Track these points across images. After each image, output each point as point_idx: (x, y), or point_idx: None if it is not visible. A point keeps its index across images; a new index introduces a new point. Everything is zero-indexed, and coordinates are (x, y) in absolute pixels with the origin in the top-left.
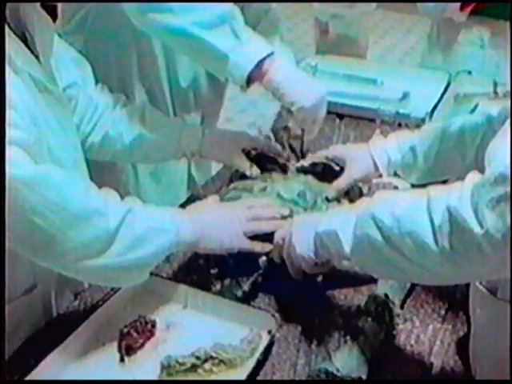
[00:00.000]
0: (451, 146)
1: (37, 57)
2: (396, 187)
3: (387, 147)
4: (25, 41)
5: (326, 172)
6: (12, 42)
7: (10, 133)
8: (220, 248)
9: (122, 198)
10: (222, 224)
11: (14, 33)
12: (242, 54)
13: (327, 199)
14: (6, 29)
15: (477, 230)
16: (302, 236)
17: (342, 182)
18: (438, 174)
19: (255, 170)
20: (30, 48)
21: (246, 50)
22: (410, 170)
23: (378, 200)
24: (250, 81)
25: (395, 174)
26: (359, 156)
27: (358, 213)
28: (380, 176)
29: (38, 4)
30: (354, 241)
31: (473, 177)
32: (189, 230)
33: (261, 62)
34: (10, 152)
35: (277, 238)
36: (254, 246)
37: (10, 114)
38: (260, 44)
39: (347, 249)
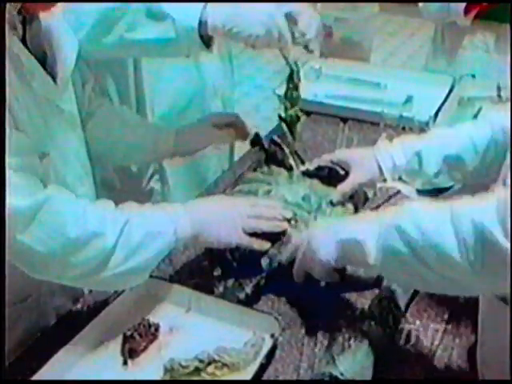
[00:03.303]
0: (457, 152)
1: (53, 77)
2: (399, 191)
3: (392, 152)
4: (43, 60)
5: (331, 176)
6: (30, 65)
7: (14, 159)
8: (218, 242)
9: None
10: (221, 218)
11: (32, 54)
12: (180, 27)
13: (332, 203)
14: (25, 51)
15: (504, 243)
16: (323, 242)
17: (346, 186)
18: (443, 180)
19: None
20: (46, 67)
21: (181, 22)
22: (415, 175)
23: (403, 211)
24: (209, 41)
25: (400, 179)
26: (364, 160)
27: (382, 223)
28: (385, 180)
29: (63, 19)
30: (379, 252)
31: (497, 190)
32: (187, 225)
33: (202, 20)
34: (12, 179)
35: (295, 240)
36: (253, 242)
37: (18, 137)
38: (187, 5)
39: (371, 259)
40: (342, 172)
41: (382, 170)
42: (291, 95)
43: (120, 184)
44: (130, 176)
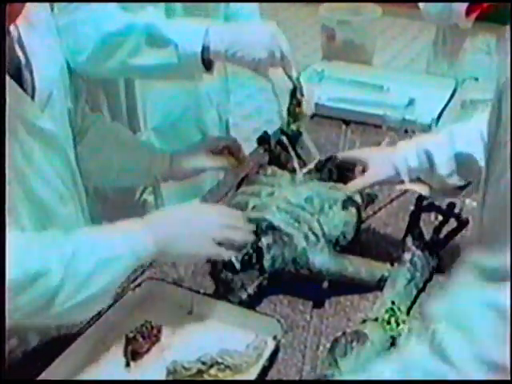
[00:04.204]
0: (467, 149)
1: (32, 94)
2: (402, 194)
3: (407, 152)
4: (18, 76)
5: (335, 171)
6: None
7: None
8: (187, 256)
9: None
10: (189, 230)
11: (7, 73)
12: (183, 54)
13: (344, 205)
14: None
15: None
16: None
17: (358, 183)
18: (457, 179)
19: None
20: (22, 83)
21: (183, 48)
22: (429, 174)
23: None
24: (209, 64)
25: (419, 179)
26: (382, 160)
27: None
28: (402, 182)
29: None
30: None
31: None
32: (149, 243)
33: (204, 45)
34: None
35: None
36: (222, 252)
37: None
38: (189, 30)
39: None
40: (347, 168)
41: (399, 172)
42: (294, 111)
43: (113, 196)
44: (123, 188)
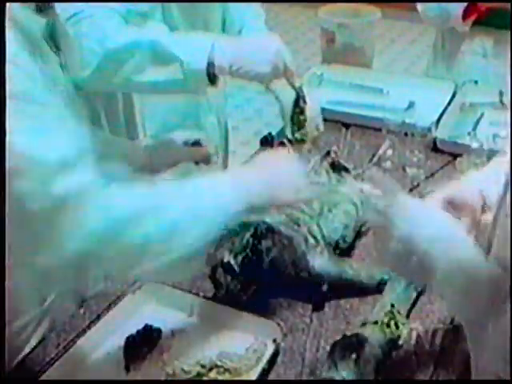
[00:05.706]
0: None
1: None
2: None
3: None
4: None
5: (331, 171)
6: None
7: None
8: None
9: None
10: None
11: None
12: (188, 70)
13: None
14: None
15: None
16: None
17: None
18: None
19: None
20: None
21: (189, 64)
22: None
23: None
24: (214, 78)
25: None
26: None
27: None
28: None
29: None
30: None
31: None
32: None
33: (209, 61)
34: None
35: None
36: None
37: None
38: (194, 46)
39: None
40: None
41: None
42: (297, 119)
43: None
44: None
